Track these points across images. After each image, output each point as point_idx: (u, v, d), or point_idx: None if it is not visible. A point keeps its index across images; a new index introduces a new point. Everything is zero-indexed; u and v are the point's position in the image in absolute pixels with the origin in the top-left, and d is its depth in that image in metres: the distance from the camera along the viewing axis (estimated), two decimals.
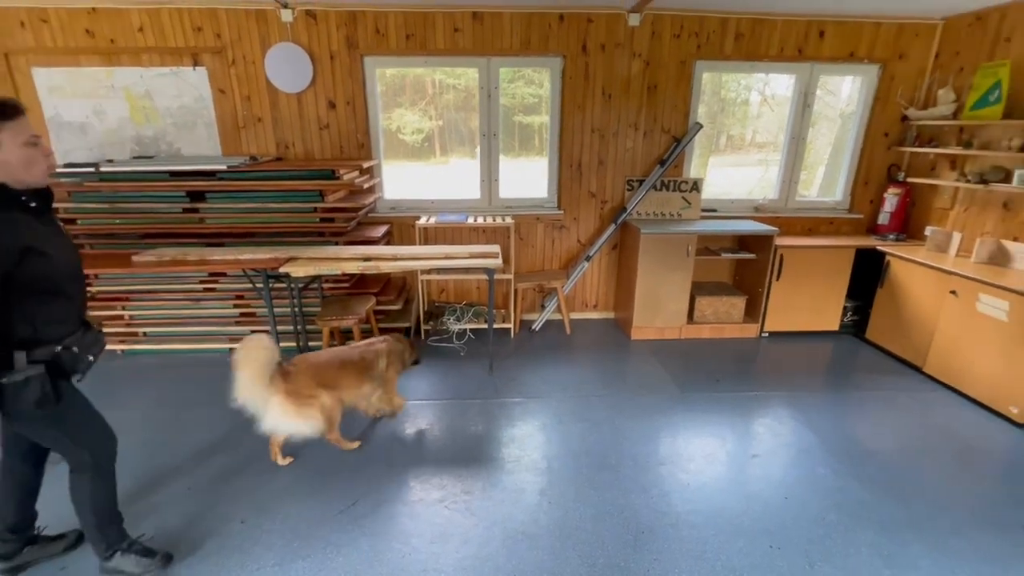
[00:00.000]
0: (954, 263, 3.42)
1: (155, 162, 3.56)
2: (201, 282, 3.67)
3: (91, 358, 1.72)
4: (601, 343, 4.07)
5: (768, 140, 4.47)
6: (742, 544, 2.08)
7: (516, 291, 4.18)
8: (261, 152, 3.94)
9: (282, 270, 3.04)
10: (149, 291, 3.68)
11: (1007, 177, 3.32)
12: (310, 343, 3.61)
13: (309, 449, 2.67)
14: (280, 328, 3.64)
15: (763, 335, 4.19)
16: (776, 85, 4.34)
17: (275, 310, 3.47)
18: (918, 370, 3.58)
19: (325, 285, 3.77)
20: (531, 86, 4.15)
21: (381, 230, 3.91)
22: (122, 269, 3.20)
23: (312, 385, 2.43)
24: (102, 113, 3.81)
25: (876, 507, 2.30)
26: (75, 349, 1.64)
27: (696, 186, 4.23)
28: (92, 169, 3.32)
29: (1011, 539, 2.12)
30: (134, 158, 3.86)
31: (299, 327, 3.62)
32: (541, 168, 4.25)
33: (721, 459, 2.64)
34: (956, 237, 3.61)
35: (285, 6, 3.59)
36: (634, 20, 3.78)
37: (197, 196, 3.42)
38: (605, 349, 3.96)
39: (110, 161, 3.72)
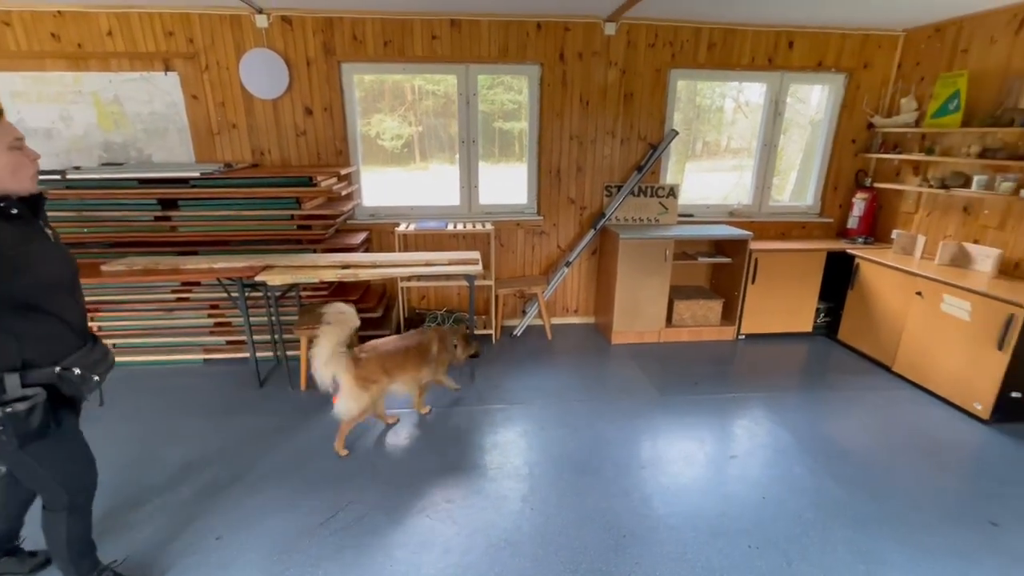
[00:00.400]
0: (919, 265, 3.54)
1: (125, 169, 3.47)
2: (174, 292, 3.58)
3: (96, 378, 1.57)
4: (582, 348, 4.10)
5: (742, 146, 4.57)
6: (721, 545, 2.11)
7: (497, 297, 4.19)
8: (236, 159, 3.88)
9: (258, 279, 2.99)
10: (119, 302, 3.57)
11: (966, 182, 3.46)
12: (288, 352, 3.55)
13: (289, 460, 2.63)
14: (257, 338, 3.58)
15: (740, 337, 4.27)
16: (749, 92, 4.45)
17: (251, 319, 3.41)
18: (887, 369, 3.69)
19: (303, 293, 3.71)
20: (510, 92, 4.18)
21: (360, 237, 3.88)
22: (90, 279, 3.09)
23: (379, 372, 2.65)
24: (69, 119, 3.71)
25: (851, 504, 2.36)
26: (76, 371, 1.50)
27: (673, 192, 4.30)
28: (58, 177, 3.22)
29: (978, 533, 2.20)
30: (102, 165, 3.76)
31: (276, 336, 3.56)
32: (521, 174, 4.28)
33: (700, 461, 2.68)
34: (920, 240, 3.75)
35: (260, 11, 3.55)
36: (610, 29, 3.84)
37: (169, 204, 3.34)
38: (586, 354, 3.98)
39: (77, 168, 3.61)
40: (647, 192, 4.28)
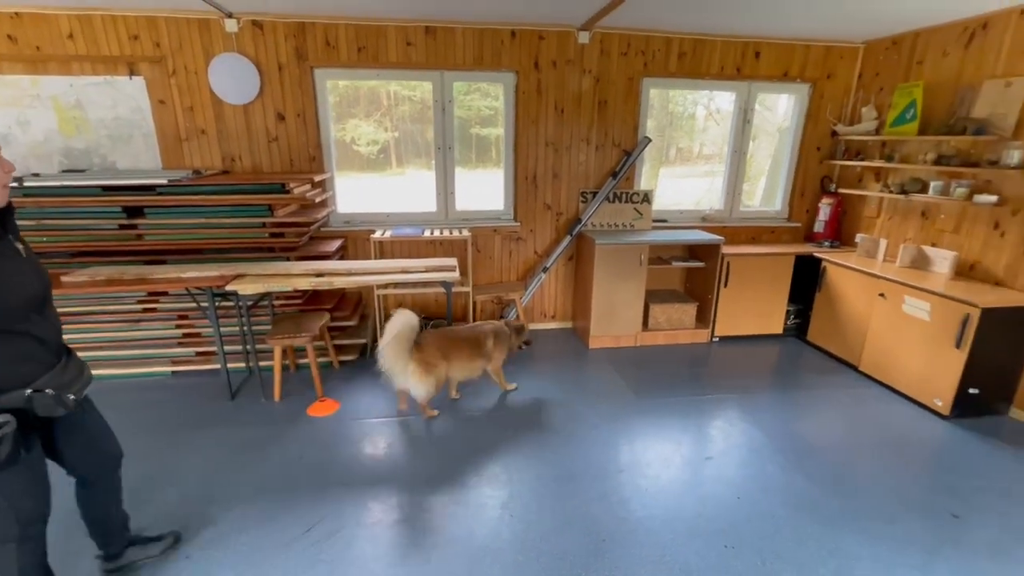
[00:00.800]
0: (882, 268, 3.68)
1: (87, 176, 3.35)
2: (140, 302, 3.47)
3: (72, 397, 1.49)
4: (560, 353, 4.12)
5: (714, 152, 4.68)
6: (698, 546, 2.15)
7: (475, 303, 4.18)
8: (206, 165, 3.79)
9: (229, 288, 2.92)
10: (82, 314, 3.44)
11: (924, 188, 3.62)
12: (260, 363, 3.47)
13: (263, 474, 2.56)
14: (228, 348, 3.49)
15: (714, 340, 4.36)
16: (720, 100, 4.57)
17: (222, 330, 3.33)
18: (854, 368, 3.81)
19: (276, 302, 3.64)
20: (487, 99, 4.19)
21: (335, 244, 3.83)
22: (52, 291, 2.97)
23: (437, 356, 2.98)
24: (26, 124, 3.57)
25: (821, 501, 2.43)
26: (49, 391, 1.42)
27: (647, 197, 4.37)
28: (16, 184, 3.09)
29: (940, 526, 2.28)
30: (63, 172, 3.63)
31: (248, 346, 3.48)
32: (498, 180, 4.29)
33: (677, 463, 2.71)
34: (883, 243, 3.89)
35: (230, 16, 3.49)
36: (584, 38, 3.89)
37: (135, 212, 3.24)
38: (564, 359, 4.00)
39: (36, 175, 3.47)
40: (622, 198, 4.34)
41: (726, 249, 4.13)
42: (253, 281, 2.99)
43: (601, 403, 3.32)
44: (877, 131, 4.00)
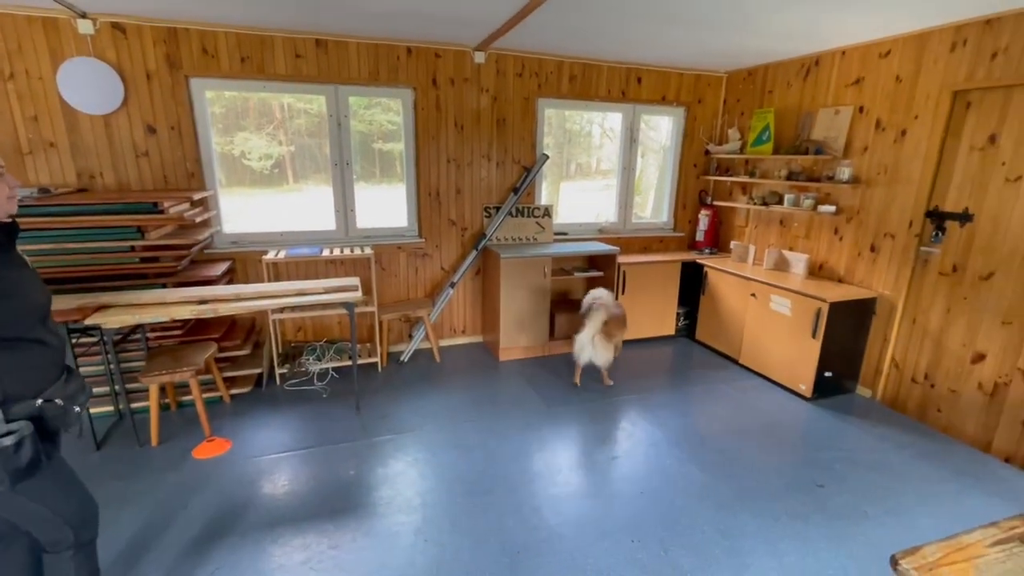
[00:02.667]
0: (752, 270, 4.15)
1: None
2: None
3: (78, 409, 1.51)
4: (471, 368, 4.12)
5: (611, 168, 4.99)
6: (608, 544, 2.24)
7: (381, 323, 4.06)
8: (56, 182, 3.32)
9: (90, 322, 2.56)
10: None
11: (780, 200, 4.15)
12: (133, 404, 3.07)
13: (140, 531, 2.26)
14: (96, 390, 3.05)
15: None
16: (613, 120, 4.90)
17: (84, 370, 2.90)
18: (736, 362, 4.24)
19: (151, 335, 3.26)
20: (388, 113, 4.12)
21: (221, 268, 3.52)
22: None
23: (613, 329, 3.65)
24: None
25: (713, 486, 2.65)
26: (59, 401, 1.44)
27: (548, 212, 4.55)
28: None
29: (810, 496, 2.60)
30: None
31: (117, 387, 3.07)
32: (403, 196, 4.22)
33: (586, 466, 2.82)
34: (751, 249, 4.39)
35: (83, 16, 3.11)
36: (479, 58, 3.99)
37: None
38: (475, 373, 4.01)
39: None
40: (524, 212, 4.48)
41: (622, 259, 4.41)
42: (120, 312, 2.65)
43: (512, 414, 3.36)
44: (741, 150, 4.53)
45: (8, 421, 1.34)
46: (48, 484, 1.47)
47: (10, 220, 1.46)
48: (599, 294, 3.78)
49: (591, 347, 3.59)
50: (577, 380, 3.85)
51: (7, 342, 1.37)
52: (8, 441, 1.31)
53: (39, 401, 1.41)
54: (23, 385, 1.40)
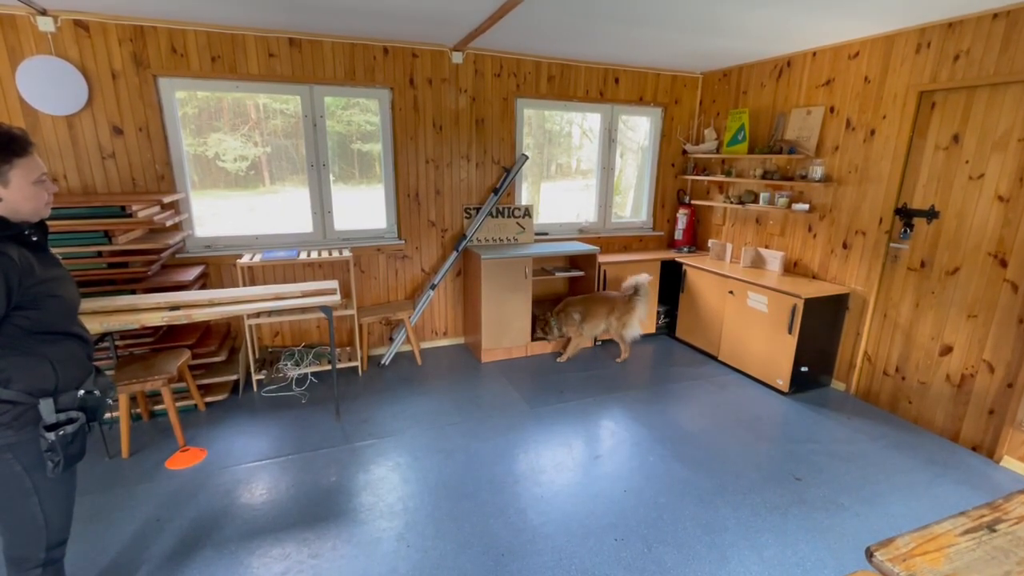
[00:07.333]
0: (729, 268, 4.21)
1: None
2: None
3: (110, 401, 1.62)
4: (453, 370, 4.09)
5: (590, 168, 5.01)
6: (592, 544, 2.24)
7: (361, 326, 4.00)
8: None
9: None
10: None
11: (756, 199, 4.22)
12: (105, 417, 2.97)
13: (113, 547, 2.18)
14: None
15: (597, 343, 4.63)
16: (592, 121, 4.92)
17: None
18: (715, 359, 4.29)
19: (121, 343, 3.15)
20: (367, 113, 4.06)
21: (194, 272, 3.43)
22: None
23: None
24: None
25: (694, 482, 2.68)
26: (96, 392, 1.54)
27: (528, 212, 4.55)
28: None
29: (787, 488, 2.64)
30: None
31: None
32: (381, 197, 4.17)
33: (569, 466, 2.82)
34: (728, 247, 4.46)
35: (43, 13, 3.00)
36: (457, 58, 3.97)
37: None
38: (457, 375, 3.98)
39: None
40: (504, 213, 4.47)
41: (602, 258, 4.44)
42: (87, 320, 2.55)
43: (495, 416, 3.35)
44: (717, 150, 4.59)
45: (58, 411, 1.42)
46: (60, 488, 1.51)
47: (43, 220, 1.52)
48: (644, 279, 4.13)
49: (638, 325, 4.15)
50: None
51: (56, 336, 1.45)
52: (71, 428, 1.42)
53: (81, 392, 1.49)
54: (69, 377, 1.48)
